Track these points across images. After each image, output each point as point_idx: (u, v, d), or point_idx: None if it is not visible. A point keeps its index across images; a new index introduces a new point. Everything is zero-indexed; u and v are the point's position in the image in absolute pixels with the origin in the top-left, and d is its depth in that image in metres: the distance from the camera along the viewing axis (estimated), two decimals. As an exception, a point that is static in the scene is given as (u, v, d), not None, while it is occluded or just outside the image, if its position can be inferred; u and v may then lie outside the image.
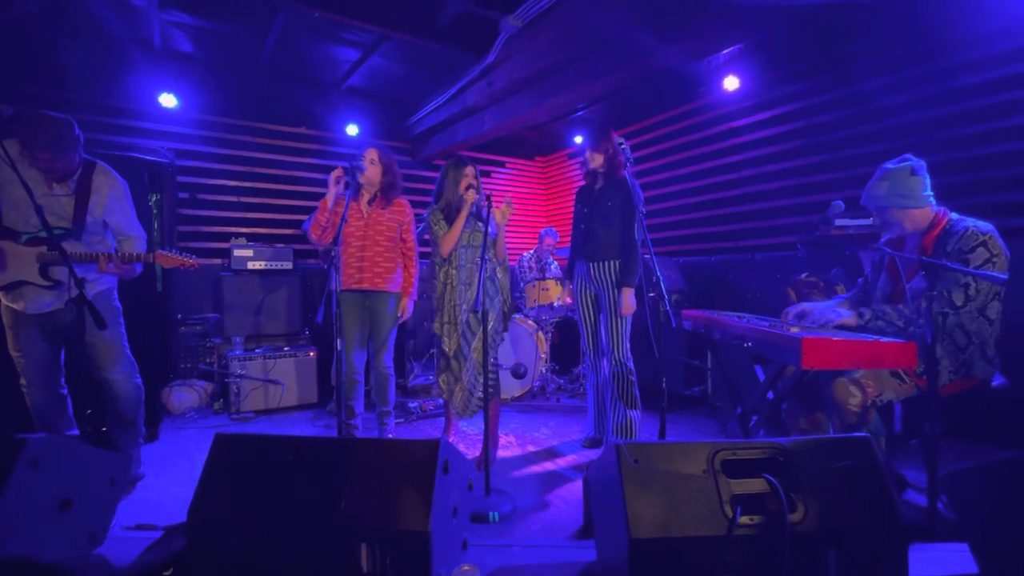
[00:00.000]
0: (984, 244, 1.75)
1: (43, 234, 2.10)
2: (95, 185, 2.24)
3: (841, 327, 1.92)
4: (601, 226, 2.70)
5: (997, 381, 1.93)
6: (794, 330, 1.79)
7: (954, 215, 1.89)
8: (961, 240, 1.78)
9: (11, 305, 2.17)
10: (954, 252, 1.78)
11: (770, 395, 2.16)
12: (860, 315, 1.91)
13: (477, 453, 2.76)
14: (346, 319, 2.67)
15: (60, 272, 2.16)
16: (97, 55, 3.79)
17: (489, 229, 2.42)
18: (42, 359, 2.24)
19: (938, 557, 1.09)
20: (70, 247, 2.13)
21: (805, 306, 2.09)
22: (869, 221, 2.58)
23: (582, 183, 2.97)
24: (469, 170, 2.57)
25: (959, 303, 1.75)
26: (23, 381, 2.24)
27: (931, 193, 1.91)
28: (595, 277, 2.73)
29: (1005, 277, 1.64)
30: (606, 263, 2.69)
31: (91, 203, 2.23)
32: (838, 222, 2.71)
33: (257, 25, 3.61)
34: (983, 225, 1.80)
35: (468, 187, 2.52)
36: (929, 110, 3.04)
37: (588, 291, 2.82)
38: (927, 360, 1.59)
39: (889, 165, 1.95)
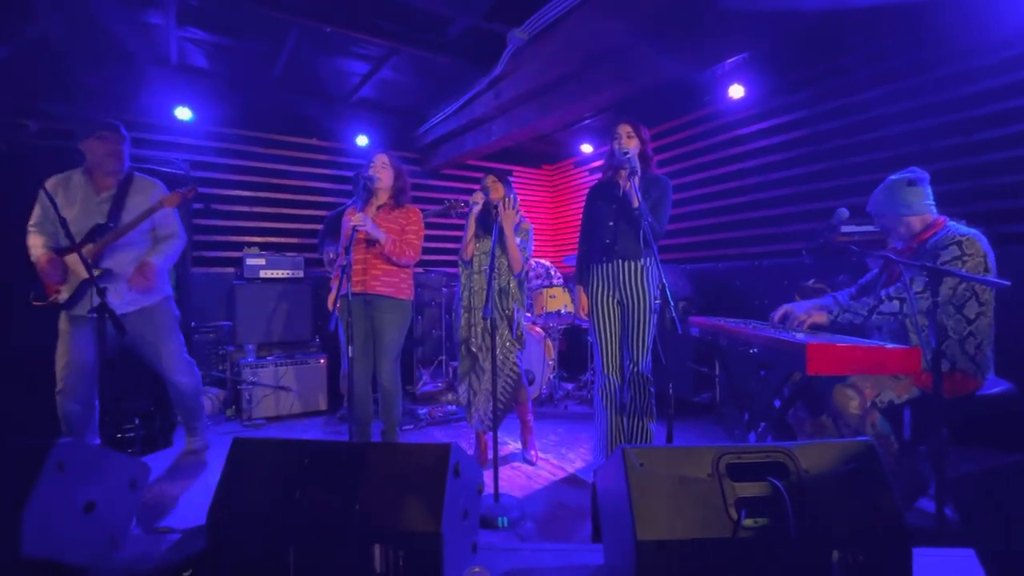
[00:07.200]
0: (958, 244, 1.81)
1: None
2: (136, 186, 2.49)
3: (813, 325, 2.03)
4: (632, 225, 2.37)
5: (1003, 387, 1.94)
6: (800, 336, 1.81)
7: (951, 222, 1.95)
8: (939, 240, 1.87)
9: (73, 312, 2.29)
10: (930, 249, 1.87)
11: (776, 402, 2.17)
12: (829, 311, 2.00)
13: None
14: (355, 326, 2.64)
15: (105, 259, 2.34)
16: (115, 71, 3.91)
17: (494, 237, 2.48)
18: (86, 368, 2.31)
19: (943, 562, 1.10)
20: (114, 253, 2.36)
21: (787, 307, 2.15)
22: (873, 227, 2.61)
23: (600, 179, 2.64)
24: (484, 179, 2.78)
25: (917, 289, 1.84)
26: (60, 387, 2.31)
27: (932, 203, 1.99)
28: (622, 281, 2.45)
29: (962, 272, 1.71)
30: (633, 263, 2.44)
31: (132, 203, 2.44)
32: (844, 228, 2.73)
33: (270, 41, 3.70)
34: (965, 229, 1.87)
35: (481, 191, 2.70)
36: (930, 118, 3.07)
37: (611, 297, 2.49)
38: (932, 364, 1.60)
39: (892, 177, 2.05)
